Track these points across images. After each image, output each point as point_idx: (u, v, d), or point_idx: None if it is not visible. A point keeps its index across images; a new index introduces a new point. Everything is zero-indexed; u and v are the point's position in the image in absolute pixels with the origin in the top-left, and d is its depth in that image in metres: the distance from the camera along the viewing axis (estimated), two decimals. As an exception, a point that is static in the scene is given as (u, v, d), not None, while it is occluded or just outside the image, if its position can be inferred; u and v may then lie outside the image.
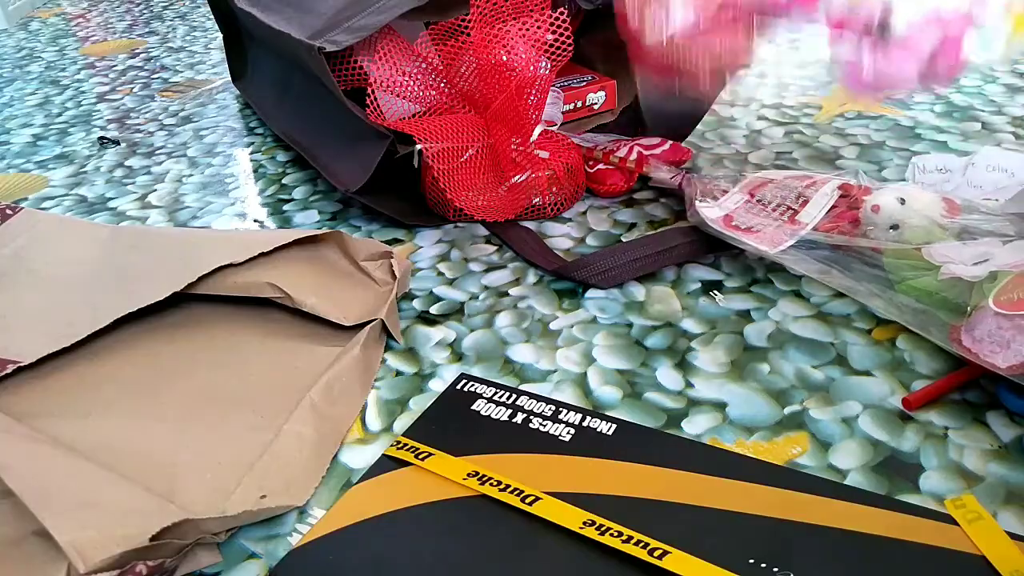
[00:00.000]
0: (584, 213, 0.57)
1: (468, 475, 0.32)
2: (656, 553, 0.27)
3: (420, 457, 0.33)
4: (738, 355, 0.41)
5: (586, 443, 0.34)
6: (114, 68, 1.03)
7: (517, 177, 0.53)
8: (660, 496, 0.30)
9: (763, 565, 0.27)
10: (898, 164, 0.61)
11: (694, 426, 0.37)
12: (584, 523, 0.29)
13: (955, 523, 0.29)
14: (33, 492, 0.30)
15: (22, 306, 0.45)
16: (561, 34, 0.51)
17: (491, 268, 0.51)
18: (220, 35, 0.82)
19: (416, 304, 0.48)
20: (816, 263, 0.45)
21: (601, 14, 0.63)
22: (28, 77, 1.02)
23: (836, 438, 0.36)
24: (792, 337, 0.43)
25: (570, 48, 0.51)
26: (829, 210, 0.47)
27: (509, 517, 0.30)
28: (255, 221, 0.60)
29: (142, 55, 1.08)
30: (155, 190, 0.66)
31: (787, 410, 0.38)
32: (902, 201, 0.43)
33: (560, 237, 0.54)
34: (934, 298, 0.40)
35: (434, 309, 0.47)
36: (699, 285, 0.48)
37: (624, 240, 0.53)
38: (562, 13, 0.51)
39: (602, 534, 0.28)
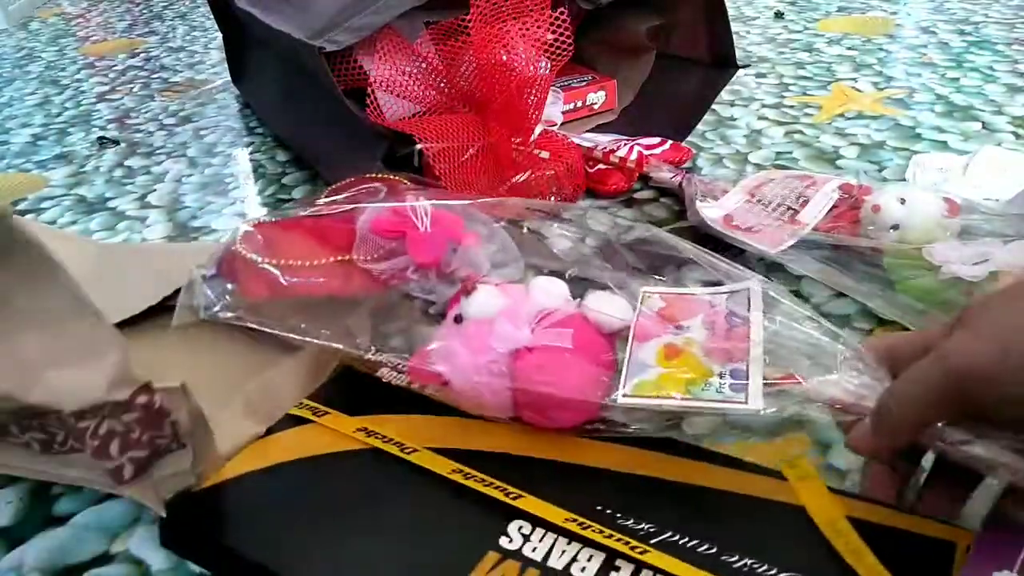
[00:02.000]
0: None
1: (357, 430, 0.35)
2: (512, 496, 0.31)
3: (318, 415, 0.36)
4: (738, 355, 0.41)
5: None
6: (114, 68, 1.03)
7: (517, 177, 0.53)
8: (520, 452, 0.34)
9: (608, 511, 0.30)
10: (898, 164, 0.61)
11: (693, 426, 0.37)
12: (452, 471, 0.33)
13: (785, 480, 0.31)
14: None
15: None
16: (561, 34, 0.51)
17: (491, 268, 0.51)
18: (220, 35, 0.82)
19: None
20: (816, 263, 0.45)
21: (601, 14, 0.63)
22: (28, 77, 1.02)
23: (836, 439, 0.36)
24: (792, 337, 0.43)
25: (570, 48, 0.51)
26: (829, 210, 0.47)
27: (390, 465, 0.33)
28: (255, 221, 0.60)
29: (142, 55, 1.08)
30: (155, 190, 0.66)
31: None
32: (902, 201, 0.43)
33: (560, 237, 0.54)
34: (934, 298, 0.40)
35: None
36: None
37: (624, 240, 0.53)
38: (562, 13, 0.51)
39: (467, 479, 0.32)
